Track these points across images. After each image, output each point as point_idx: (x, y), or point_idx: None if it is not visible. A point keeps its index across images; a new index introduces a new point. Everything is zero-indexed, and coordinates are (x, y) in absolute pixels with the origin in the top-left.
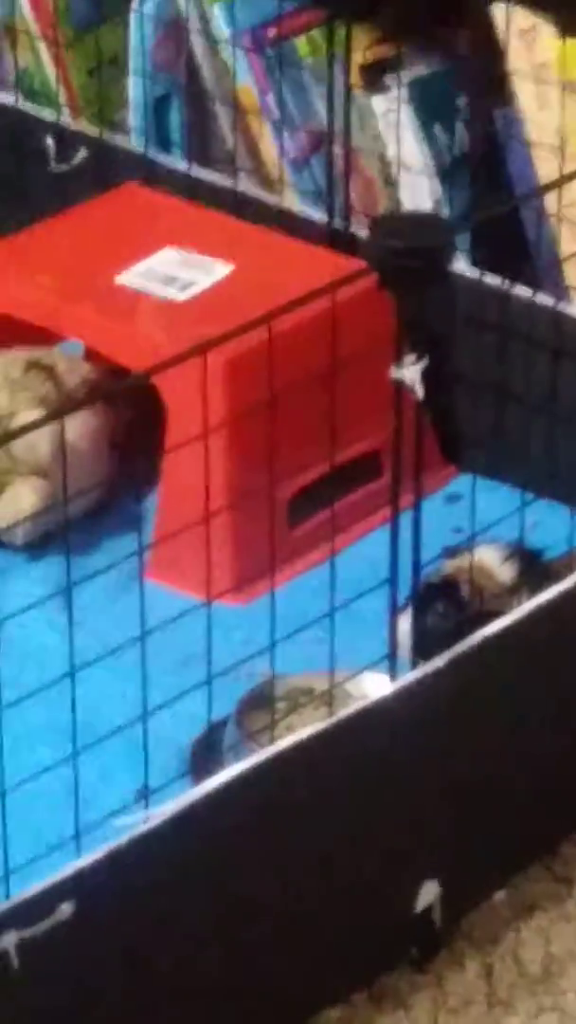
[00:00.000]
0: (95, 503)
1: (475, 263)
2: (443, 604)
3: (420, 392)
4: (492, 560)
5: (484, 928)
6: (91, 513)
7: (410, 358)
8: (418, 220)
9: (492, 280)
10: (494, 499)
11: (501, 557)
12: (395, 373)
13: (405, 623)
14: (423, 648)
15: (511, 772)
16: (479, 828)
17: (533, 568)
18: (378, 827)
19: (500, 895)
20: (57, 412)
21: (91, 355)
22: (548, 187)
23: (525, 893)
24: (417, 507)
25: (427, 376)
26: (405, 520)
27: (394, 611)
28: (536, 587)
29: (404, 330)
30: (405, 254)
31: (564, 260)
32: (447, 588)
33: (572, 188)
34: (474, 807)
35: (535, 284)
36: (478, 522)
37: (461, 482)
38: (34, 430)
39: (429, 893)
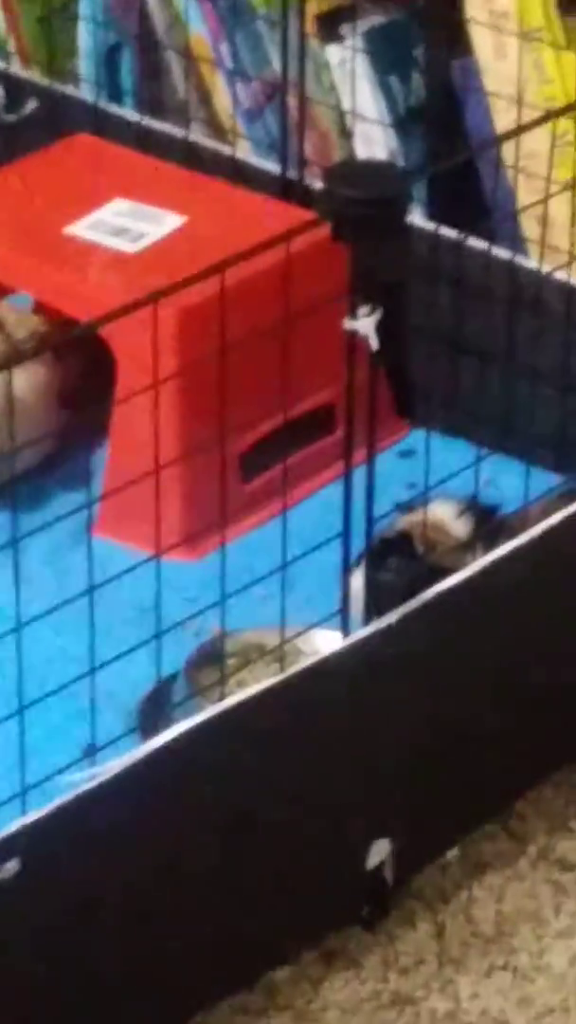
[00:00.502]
0: (43, 457)
1: (431, 215)
2: (396, 559)
3: (374, 343)
4: (446, 515)
5: (436, 887)
6: (38, 467)
7: (364, 309)
8: (373, 169)
9: (448, 232)
10: (449, 454)
11: (455, 512)
12: (348, 324)
13: (358, 579)
14: (376, 604)
15: (464, 729)
16: (431, 786)
17: (487, 524)
18: (329, 784)
19: (452, 853)
20: (3, 364)
21: (41, 308)
22: (505, 136)
23: (477, 851)
24: (371, 461)
25: (381, 328)
26: (359, 475)
27: (347, 566)
28: (490, 543)
29: (358, 281)
30: (359, 204)
31: (521, 211)
32: (401, 543)
33: (529, 139)
34: (426, 764)
35: (491, 236)
36: (432, 477)
37: (415, 437)
38: None
39: (380, 851)
